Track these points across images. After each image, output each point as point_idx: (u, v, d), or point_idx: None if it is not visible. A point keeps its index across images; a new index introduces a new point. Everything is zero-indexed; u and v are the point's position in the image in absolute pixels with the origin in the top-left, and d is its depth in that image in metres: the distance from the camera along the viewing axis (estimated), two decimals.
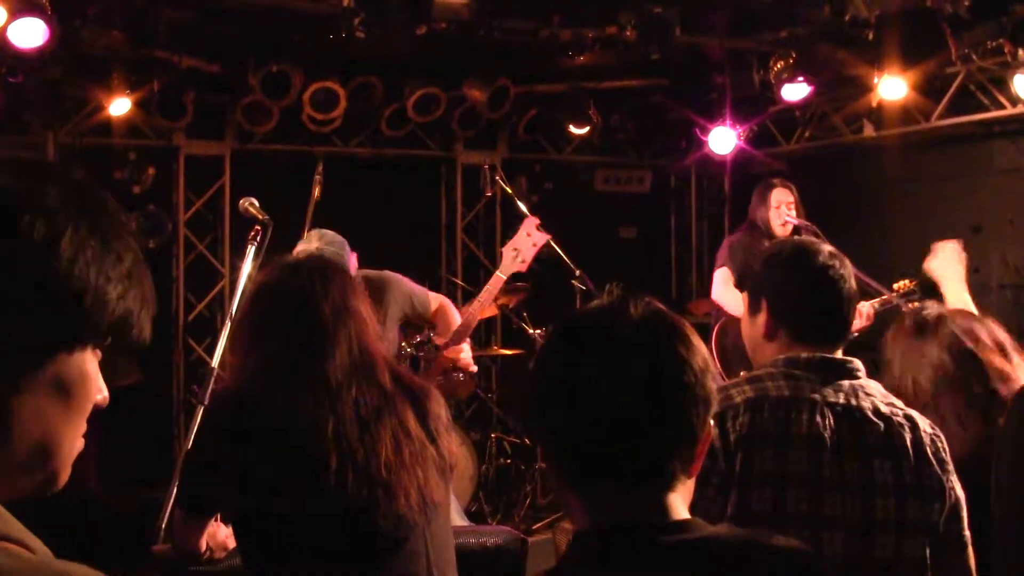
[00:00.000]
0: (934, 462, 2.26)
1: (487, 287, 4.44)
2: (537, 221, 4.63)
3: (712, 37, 6.99)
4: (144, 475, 6.20)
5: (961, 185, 7.71)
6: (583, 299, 6.00)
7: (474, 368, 4.80)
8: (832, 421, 2.24)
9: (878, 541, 2.19)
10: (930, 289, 3.95)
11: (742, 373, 2.52)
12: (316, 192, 6.13)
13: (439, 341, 4.87)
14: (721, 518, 2.15)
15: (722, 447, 2.19)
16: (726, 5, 6.42)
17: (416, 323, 5.00)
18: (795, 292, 2.40)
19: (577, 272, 5.65)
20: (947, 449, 2.31)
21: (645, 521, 1.45)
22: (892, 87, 6.96)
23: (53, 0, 5.33)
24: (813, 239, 2.49)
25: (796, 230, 5.93)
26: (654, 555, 1.43)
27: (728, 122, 7.88)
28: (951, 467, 2.29)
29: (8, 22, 5.26)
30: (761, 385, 2.29)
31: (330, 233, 4.54)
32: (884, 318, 5.44)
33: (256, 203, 4.13)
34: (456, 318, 4.81)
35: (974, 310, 3.35)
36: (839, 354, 2.37)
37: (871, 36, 6.02)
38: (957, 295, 3.62)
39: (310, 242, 4.44)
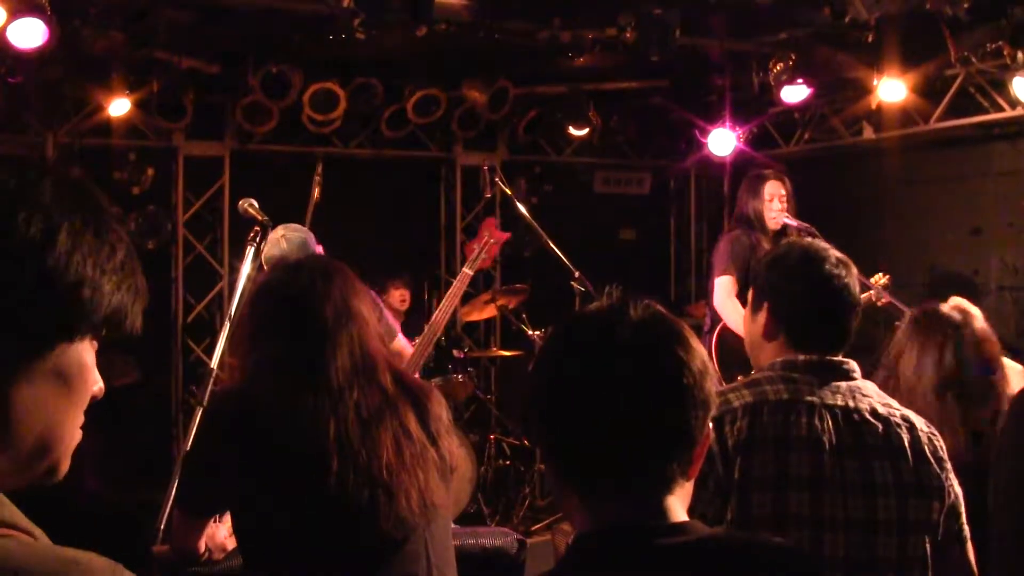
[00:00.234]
0: (932, 461, 2.27)
1: (455, 283, 4.45)
2: (496, 221, 4.69)
3: (712, 39, 6.99)
4: (143, 475, 6.20)
5: (960, 187, 7.72)
6: (582, 301, 5.99)
7: None
8: (831, 423, 2.24)
9: (880, 541, 2.19)
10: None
11: (740, 378, 2.52)
12: (316, 193, 6.15)
13: None
14: (718, 519, 2.16)
15: (719, 452, 2.19)
16: (726, 7, 6.42)
17: None
18: (797, 298, 2.40)
19: (576, 274, 5.64)
20: (944, 448, 2.32)
21: (644, 523, 1.45)
22: (891, 89, 6.96)
23: (53, 0, 5.32)
24: (822, 244, 2.47)
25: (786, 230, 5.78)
26: (652, 557, 1.43)
27: (728, 124, 7.89)
28: (949, 465, 2.30)
29: (8, 22, 5.25)
30: (759, 389, 2.29)
31: (294, 224, 4.55)
32: (873, 317, 5.46)
33: (255, 204, 4.12)
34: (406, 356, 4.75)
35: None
36: (838, 356, 2.37)
37: (870, 38, 6.01)
38: None
39: (275, 232, 4.41)
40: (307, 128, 7.67)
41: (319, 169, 6.60)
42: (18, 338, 1.03)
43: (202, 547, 2.75)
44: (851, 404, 2.28)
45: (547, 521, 6.79)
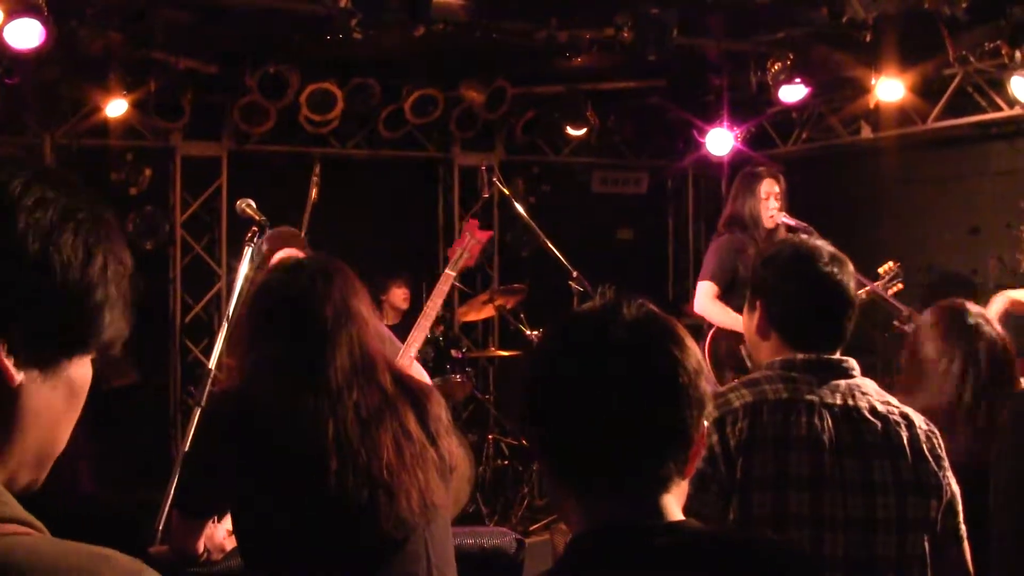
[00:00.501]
0: (930, 459, 2.27)
1: (438, 286, 4.45)
2: (477, 222, 4.70)
3: (709, 39, 7.00)
4: (141, 476, 6.19)
5: (958, 187, 7.72)
6: (580, 301, 5.98)
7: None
8: (830, 422, 2.24)
9: (880, 539, 2.19)
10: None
11: (734, 378, 2.51)
12: (313, 193, 6.14)
13: None
14: (720, 520, 2.15)
15: (722, 452, 2.19)
16: (723, 6, 6.42)
17: None
18: (789, 297, 2.39)
19: (574, 273, 5.64)
20: (943, 445, 2.32)
21: (640, 522, 1.46)
22: (889, 89, 6.97)
23: (50, 1, 5.32)
24: (816, 242, 2.45)
25: (791, 230, 5.74)
26: (650, 556, 1.43)
27: (725, 123, 7.89)
28: (947, 463, 2.30)
29: (5, 23, 5.25)
30: (759, 389, 2.28)
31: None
32: (872, 317, 5.45)
33: (253, 204, 4.12)
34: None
35: None
36: (836, 354, 2.36)
37: (868, 38, 6.01)
38: None
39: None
40: (305, 128, 7.66)
41: (317, 169, 6.58)
42: (43, 349, 1.05)
43: (201, 548, 2.75)
44: (850, 402, 2.28)
45: (545, 521, 6.79)
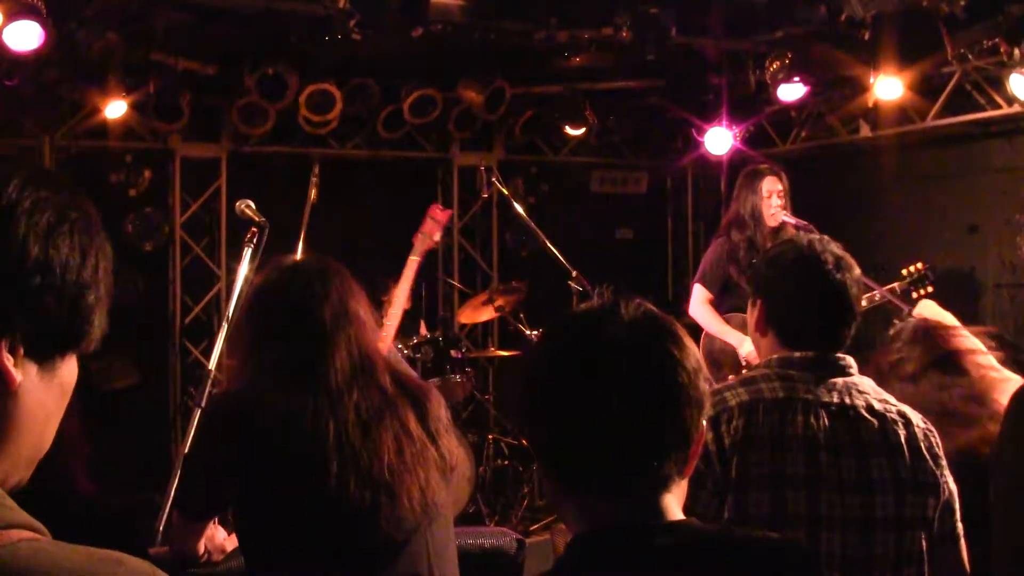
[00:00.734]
0: (928, 457, 2.26)
1: (404, 272, 4.50)
2: (438, 205, 4.77)
3: (708, 38, 7.00)
4: (141, 477, 6.19)
5: (957, 185, 7.72)
6: (579, 301, 5.99)
7: None
8: (827, 421, 2.24)
9: (878, 538, 2.19)
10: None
11: (730, 377, 2.51)
12: (312, 194, 6.13)
13: None
14: (716, 519, 2.15)
15: (716, 451, 2.19)
16: (722, 6, 6.42)
17: None
18: (788, 297, 2.39)
19: (574, 273, 5.64)
20: (940, 444, 2.31)
21: (640, 522, 1.46)
22: (888, 87, 6.96)
23: (49, 3, 5.32)
24: (823, 244, 2.42)
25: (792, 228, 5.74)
26: (651, 556, 1.43)
27: (724, 123, 7.89)
28: (944, 461, 2.29)
29: (4, 25, 5.25)
30: (755, 387, 2.28)
31: None
32: (871, 317, 5.44)
33: (252, 205, 4.12)
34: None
35: None
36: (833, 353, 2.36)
37: (867, 36, 6.01)
38: None
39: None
40: (303, 129, 7.66)
41: (316, 170, 6.57)
42: (43, 349, 1.07)
43: (201, 549, 2.75)
44: (847, 401, 2.28)
45: (546, 521, 6.80)
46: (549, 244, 5.59)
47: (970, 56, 6.41)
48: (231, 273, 5.81)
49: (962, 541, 2.30)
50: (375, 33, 5.78)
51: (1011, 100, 6.64)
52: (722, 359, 5.52)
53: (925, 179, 7.97)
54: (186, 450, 3.43)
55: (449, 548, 2.68)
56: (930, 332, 2.81)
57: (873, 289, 5.49)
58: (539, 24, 6.39)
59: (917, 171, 8.05)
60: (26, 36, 5.31)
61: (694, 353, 1.50)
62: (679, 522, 1.47)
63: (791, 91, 7.11)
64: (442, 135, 8.52)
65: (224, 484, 2.55)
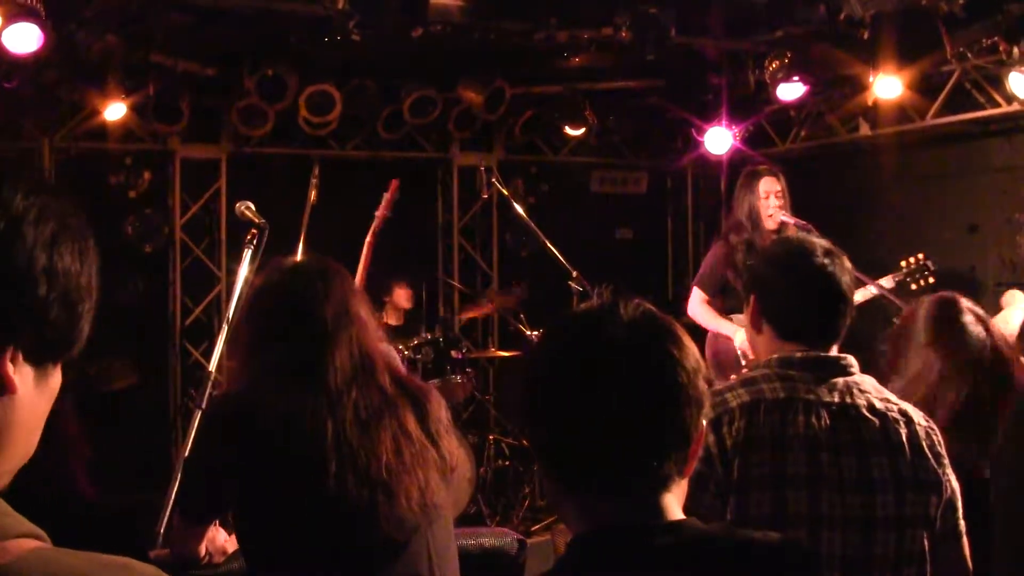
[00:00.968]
0: (930, 456, 2.26)
1: (364, 254, 4.75)
2: (396, 182, 5.14)
3: (708, 38, 7.00)
4: (141, 479, 6.19)
5: (957, 184, 7.72)
6: (580, 301, 5.99)
7: None
8: (828, 420, 2.23)
9: (879, 537, 2.19)
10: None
11: (732, 377, 2.51)
12: (312, 195, 6.12)
13: None
14: (718, 520, 2.15)
15: (718, 452, 2.18)
16: (722, 6, 6.42)
17: None
18: (782, 292, 2.39)
19: (574, 274, 5.64)
20: (942, 442, 2.31)
21: (641, 522, 1.46)
22: (887, 86, 6.96)
23: (48, 4, 5.32)
24: (813, 239, 2.44)
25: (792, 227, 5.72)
26: (651, 556, 1.43)
27: (724, 122, 7.89)
28: (946, 460, 2.29)
29: (3, 27, 5.25)
30: (756, 388, 2.28)
31: None
32: (872, 313, 5.44)
33: (252, 206, 4.13)
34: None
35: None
36: (834, 351, 2.36)
37: (866, 35, 6.01)
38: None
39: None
40: (303, 130, 7.66)
41: (316, 171, 6.57)
42: (42, 357, 1.07)
43: (202, 551, 2.75)
44: (848, 400, 2.27)
45: (547, 521, 6.80)
46: (549, 244, 5.58)
47: (969, 55, 6.41)
48: (231, 274, 5.81)
49: (964, 539, 2.29)
50: (374, 34, 5.78)
51: (1010, 99, 6.64)
52: (725, 361, 5.52)
53: (925, 178, 7.97)
54: (186, 452, 3.43)
55: (450, 549, 2.68)
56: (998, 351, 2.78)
57: (866, 283, 5.48)
58: (539, 24, 6.39)
59: (917, 170, 8.05)
60: (25, 38, 5.31)
61: (693, 353, 1.50)
62: (679, 522, 1.47)
63: (791, 91, 7.10)
64: (442, 135, 8.53)
65: (225, 486, 2.55)
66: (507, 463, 7.40)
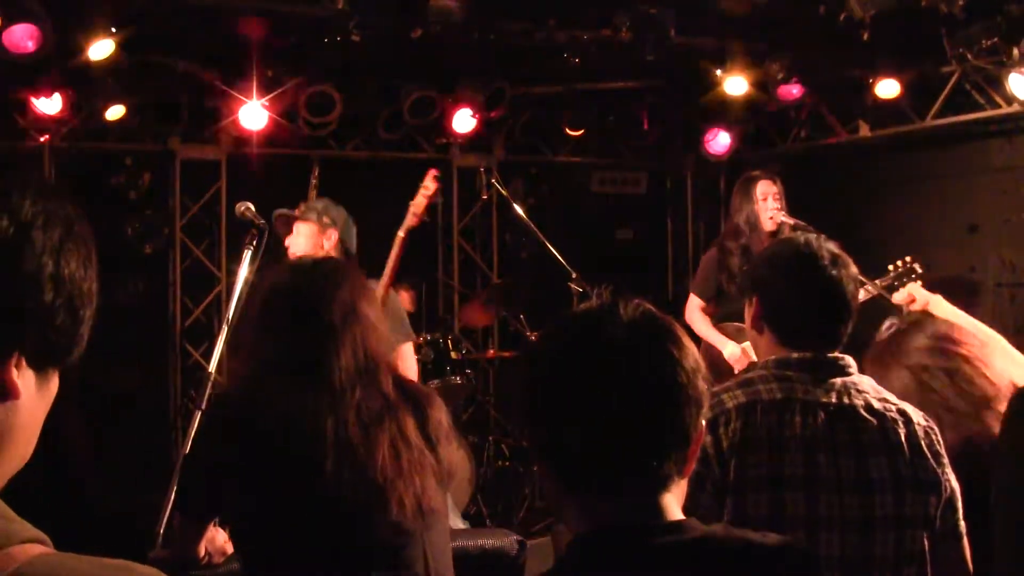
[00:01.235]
0: (929, 455, 2.25)
1: (392, 252, 4.64)
2: (435, 172, 4.77)
3: (707, 38, 6.99)
4: (141, 480, 6.20)
5: (957, 184, 7.72)
6: (580, 301, 5.99)
7: None
8: (825, 421, 2.23)
9: (877, 538, 2.18)
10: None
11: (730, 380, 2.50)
12: (312, 195, 6.14)
13: None
14: (715, 521, 2.15)
15: (715, 453, 2.18)
16: (721, 6, 6.42)
17: None
18: (783, 295, 2.38)
19: (574, 274, 5.65)
20: (941, 442, 2.30)
21: (640, 522, 1.46)
22: (887, 87, 6.97)
23: (48, 5, 5.32)
24: (818, 241, 2.41)
25: (795, 229, 5.71)
26: (650, 556, 1.43)
27: (724, 123, 7.89)
28: (946, 459, 2.28)
29: (3, 28, 5.25)
30: (752, 389, 2.27)
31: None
32: (872, 312, 5.43)
33: (252, 207, 4.13)
34: (408, 370, 4.74)
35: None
36: (831, 353, 2.35)
37: (866, 36, 6.01)
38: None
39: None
40: (303, 131, 7.66)
41: (315, 172, 6.60)
42: (46, 362, 1.08)
43: (202, 551, 2.75)
44: (846, 401, 2.27)
45: (547, 521, 6.78)
46: (549, 245, 5.58)
47: (969, 56, 6.42)
48: (231, 275, 5.82)
49: (964, 539, 2.29)
50: (374, 34, 5.78)
51: (1010, 99, 6.65)
52: (723, 365, 5.52)
53: (924, 179, 7.97)
54: (186, 452, 3.43)
55: (447, 555, 2.68)
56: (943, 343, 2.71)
57: (865, 284, 5.47)
58: (538, 25, 6.39)
59: (916, 171, 8.05)
60: (25, 39, 5.31)
61: (693, 353, 1.50)
62: (679, 522, 1.47)
63: (791, 91, 7.11)
64: (442, 136, 8.52)
65: (224, 485, 2.55)
66: (507, 464, 7.40)
